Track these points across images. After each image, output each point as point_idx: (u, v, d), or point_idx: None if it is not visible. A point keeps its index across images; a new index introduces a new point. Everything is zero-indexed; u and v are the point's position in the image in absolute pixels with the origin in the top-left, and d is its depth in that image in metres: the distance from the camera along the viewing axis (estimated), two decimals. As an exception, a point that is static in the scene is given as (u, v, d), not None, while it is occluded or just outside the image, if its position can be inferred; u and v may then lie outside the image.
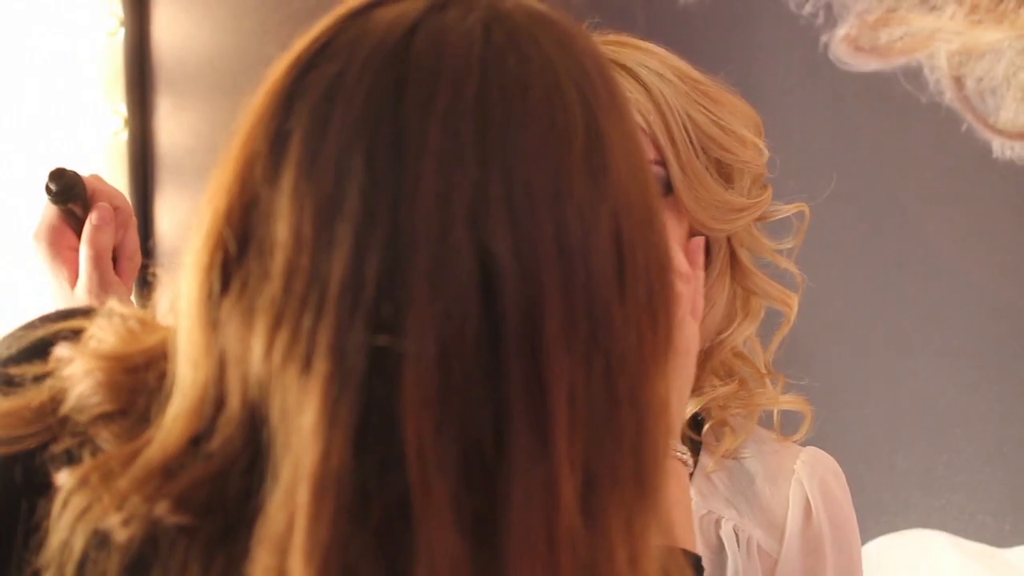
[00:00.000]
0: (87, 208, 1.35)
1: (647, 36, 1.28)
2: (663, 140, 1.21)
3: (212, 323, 0.71)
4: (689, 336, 1.13)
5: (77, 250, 1.35)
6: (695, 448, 1.26)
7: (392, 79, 0.70)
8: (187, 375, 0.72)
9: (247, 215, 0.70)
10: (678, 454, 1.13)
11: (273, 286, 0.69)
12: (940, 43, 2.08)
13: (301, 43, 0.73)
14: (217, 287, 0.71)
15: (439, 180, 0.68)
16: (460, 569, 0.68)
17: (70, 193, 1.33)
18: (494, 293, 0.68)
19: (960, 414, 2.02)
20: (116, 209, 1.37)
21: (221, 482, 0.70)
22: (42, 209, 1.36)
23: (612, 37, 1.26)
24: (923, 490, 2.04)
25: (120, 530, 0.70)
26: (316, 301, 0.68)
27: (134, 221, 1.40)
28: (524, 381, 0.68)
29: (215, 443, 0.70)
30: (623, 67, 1.22)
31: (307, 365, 0.68)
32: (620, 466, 0.72)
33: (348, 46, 0.72)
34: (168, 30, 2.44)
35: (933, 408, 2.03)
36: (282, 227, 0.69)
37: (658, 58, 1.24)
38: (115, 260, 1.39)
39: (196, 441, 0.71)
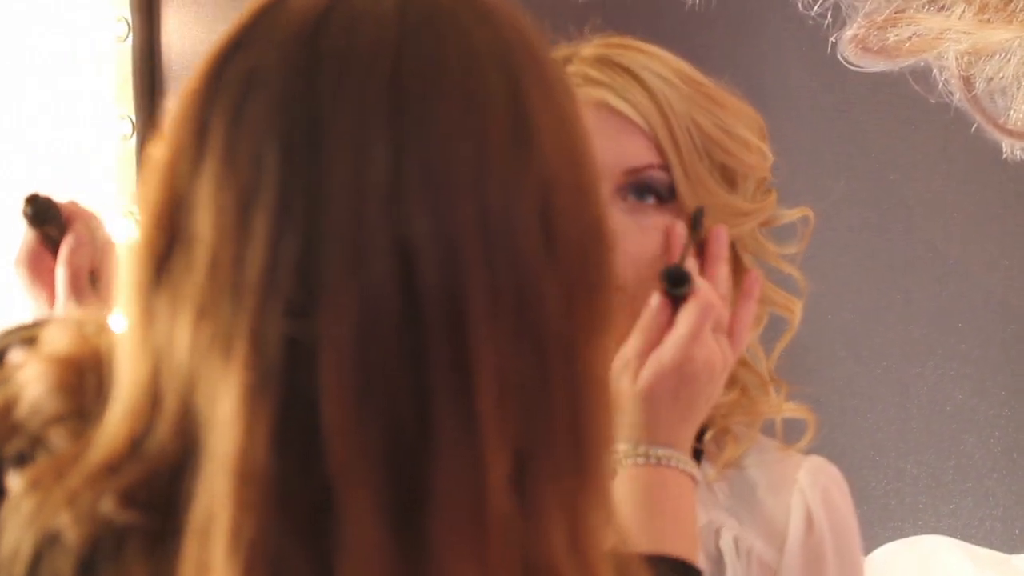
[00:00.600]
0: (63, 231, 1.39)
1: (654, 38, 1.27)
2: (666, 144, 1.20)
3: (147, 320, 0.71)
4: (710, 353, 1.12)
5: (55, 272, 1.38)
6: (695, 457, 1.25)
7: (305, 65, 0.71)
8: (127, 373, 0.72)
9: (175, 208, 0.71)
10: (684, 466, 1.12)
11: (197, 278, 0.69)
12: (949, 43, 2.08)
13: (222, 36, 0.74)
14: (151, 283, 0.71)
15: (352, 165, 0.69)
16: (385, 557, 0.67)
17: (44, 216, 1.39)
18: (412, 275, 0.68)
19: (969, 419, 2.00)
20: (93, 232, 1.40)
21: (161, 478, 0.70)
22: (22, 235, 1.40)
23: (615, 40, 1.25)
24: (931, 496, 2.03)
25: (70, 530, 0.70)
26: (236, 290, 0.68)
27: (114, 244, 1.43)
28: (447, 363, 0.68)
29: (155, 439, 0.70)
30: (626, 70, 1.21)
31: (227, 355, 0.68)
32: (556, 447, 0.71)
33: (263, 35, 0.72)
34: (177, 34, 2.44)
35: (941, 413, 2.02)
36: (204, 219, 0.70)
37: (661, 61, 1.23)
38: (97, 282, 1.41)
39: (138, 438, 0.71)
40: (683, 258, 1.16)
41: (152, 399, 0.71)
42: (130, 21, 2.41)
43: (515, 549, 0.70)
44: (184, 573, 0.68)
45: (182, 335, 0.69)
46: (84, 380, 0.74)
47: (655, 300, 1.14)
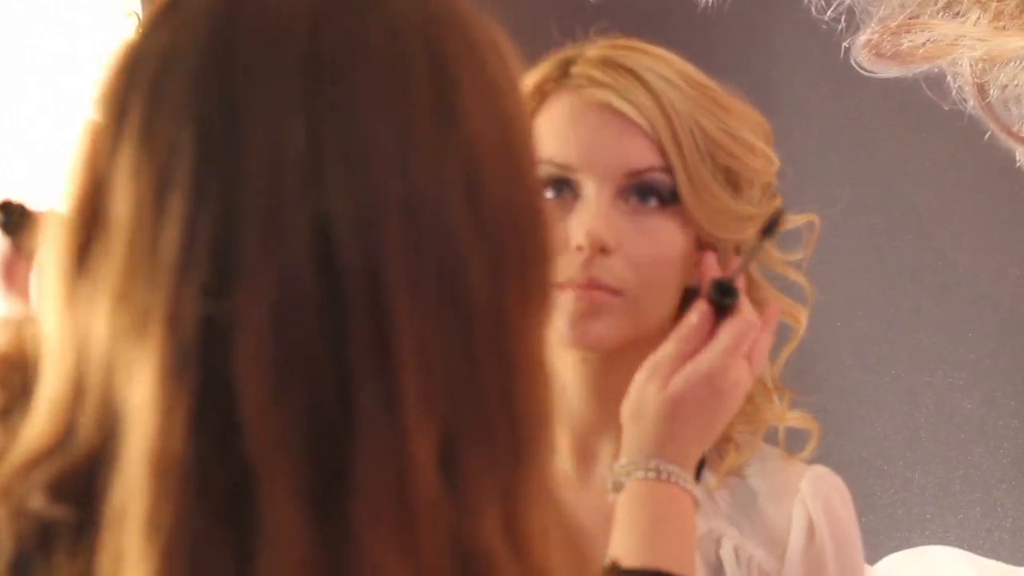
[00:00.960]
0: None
1: (663, 41, 1.26)
2: (669, 146, 1.19)
3: (70, 309, 0.70)
4: (740, 373, 1.13)
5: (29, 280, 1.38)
6: (697, 466, 1.25)
7: (220, 43, 0.70)
8: (51, 364, 0.71)
9: (95, 192, 0.70)
10: (689, 486, 1.12)
11: (115, 263, 0.69)
12: (963, 50, 2.07)
13: (143, 19, 0.74)
14: (73, 271, 0.70)
15: (269, 141, 0.68)
16: (305, 539, 0.66)
17: (17, 224, 1.36)
18: (331, 253, 0.67)
19: (977, 429, 1.99)
20: None
21: (86, 471, 0.69)
22: None
23: (620, 41, 1.25)
24: (939, 506, 2.01)
25: (3, 526, 0.69)
26: (152, 273, 0.68)
27: None
28: (368, 342, 0.67)
29: (79, 430, 0.69)
30: (629, 71, 1.20)
31: (143, 340, 0.67)
32: (488, 427, 0.70)
33: (179, 16, 0.72)
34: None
35: (950, 423, 2.01)
36: (121, 202, 0.69)
37: (666, 63, 1.22)
38: None
39: (64, 430, 0.70)
40: (739, 272, 1.17)
41: (76, 390, 0.70)
42: (140, 16, 2.41)
43: (444, 534, 0.69)
44: (101, 564, 0.67)
45: (100, 324, 0.69)
46: (21, 376, 0.74)
47: (699, 310, 1.14)
